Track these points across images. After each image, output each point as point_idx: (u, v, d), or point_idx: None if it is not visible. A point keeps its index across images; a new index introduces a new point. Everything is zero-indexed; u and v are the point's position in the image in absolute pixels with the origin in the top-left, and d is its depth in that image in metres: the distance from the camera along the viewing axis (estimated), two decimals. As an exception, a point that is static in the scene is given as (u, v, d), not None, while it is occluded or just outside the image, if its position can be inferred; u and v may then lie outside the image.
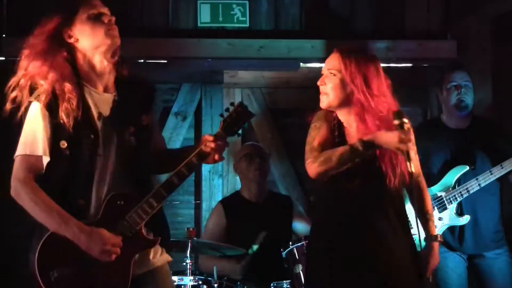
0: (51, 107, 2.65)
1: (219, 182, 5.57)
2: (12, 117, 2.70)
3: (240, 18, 5.43)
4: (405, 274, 2.98)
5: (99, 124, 2.72)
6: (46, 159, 2.65)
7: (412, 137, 2.91)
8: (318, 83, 3.12)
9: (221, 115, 2.82)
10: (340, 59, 3.07)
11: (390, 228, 3.01)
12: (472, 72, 4.47)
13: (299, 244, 3.98)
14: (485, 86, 5.19)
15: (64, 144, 2.64)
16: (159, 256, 2.85)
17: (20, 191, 2.62)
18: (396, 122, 2.91)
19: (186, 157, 2.75)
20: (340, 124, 3.11)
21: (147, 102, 2.91)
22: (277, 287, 4.15)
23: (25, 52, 2.71)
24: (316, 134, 3.07)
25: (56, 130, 2.65)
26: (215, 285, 4.09)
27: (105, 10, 2.77)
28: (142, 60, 5.28)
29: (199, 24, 5.41)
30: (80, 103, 2.66)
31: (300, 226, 4.75)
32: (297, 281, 3.93)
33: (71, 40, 2.73)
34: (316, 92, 3.16)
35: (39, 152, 2.64)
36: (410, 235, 3.11)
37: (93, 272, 2.62)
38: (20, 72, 2.69)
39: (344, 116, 3.11)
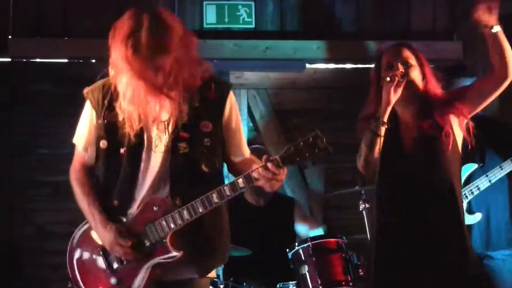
0: (99, 107, 2.66)
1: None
2: None
3: (246, 19, 5.42)
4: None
5: (150, 128, 2.63)
6: (88, 156, 2.72)
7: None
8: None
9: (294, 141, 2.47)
10: None
11: None
12: (478, 73, 4.46)
13: (305, 245, 3.97)
14: (491, 86, 5.17)
15: (104, 144, 2.65)
16: (194, 268, 2.67)
17: (70, 176, 2.76)
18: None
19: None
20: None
21: (216, 107, 2.66)
22: (283, 288, 4.16)
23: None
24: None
25: (100, 130, 2.66)
26: (221, 286, 4.09)
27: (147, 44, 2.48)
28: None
29: (204, 25, 5.41)
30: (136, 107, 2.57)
31: (303, 228, 4.74)
32: (303, 282, 3.92)
33: None
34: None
35: (79, 148, 2.75)
36: None
37: (113, 267, 2.66)
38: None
39: None
